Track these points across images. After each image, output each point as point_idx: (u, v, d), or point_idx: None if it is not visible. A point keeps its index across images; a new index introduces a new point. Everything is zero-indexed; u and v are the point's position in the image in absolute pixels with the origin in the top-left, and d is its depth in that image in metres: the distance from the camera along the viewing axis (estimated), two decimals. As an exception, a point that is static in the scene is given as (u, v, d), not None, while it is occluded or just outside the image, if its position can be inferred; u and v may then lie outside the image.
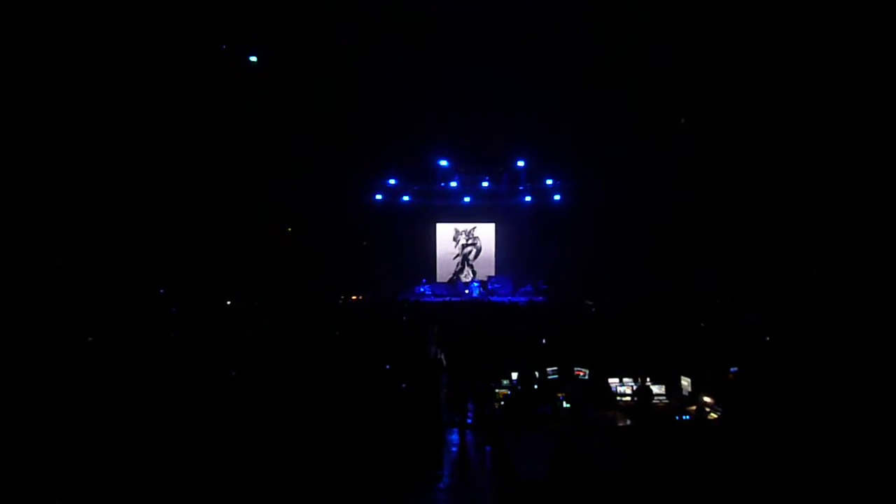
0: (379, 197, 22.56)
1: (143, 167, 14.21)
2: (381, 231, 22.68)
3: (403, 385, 6.92)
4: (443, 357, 9.82)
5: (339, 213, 20.35)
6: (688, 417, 6.08)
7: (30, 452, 4.40)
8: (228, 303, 15.63)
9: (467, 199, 23.44)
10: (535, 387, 6.85)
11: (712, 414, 6.12)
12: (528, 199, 23.19)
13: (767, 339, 9.41)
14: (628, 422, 5.86)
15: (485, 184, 22.57)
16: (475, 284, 22.07)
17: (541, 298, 20.74)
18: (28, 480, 4.09)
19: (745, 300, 14.20)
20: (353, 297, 19.88)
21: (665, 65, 13.93)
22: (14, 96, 11.01)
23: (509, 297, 20.66)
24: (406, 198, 22.94)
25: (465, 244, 24.21)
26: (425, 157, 21.08)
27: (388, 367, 7.56)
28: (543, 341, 9.78)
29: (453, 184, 22.56)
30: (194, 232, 15.91)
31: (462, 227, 24.18)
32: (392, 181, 22.07)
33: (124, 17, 11.31)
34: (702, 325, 11.53)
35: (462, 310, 15.45)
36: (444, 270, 24.02)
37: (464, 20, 13.40)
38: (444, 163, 21.57)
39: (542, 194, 22.92)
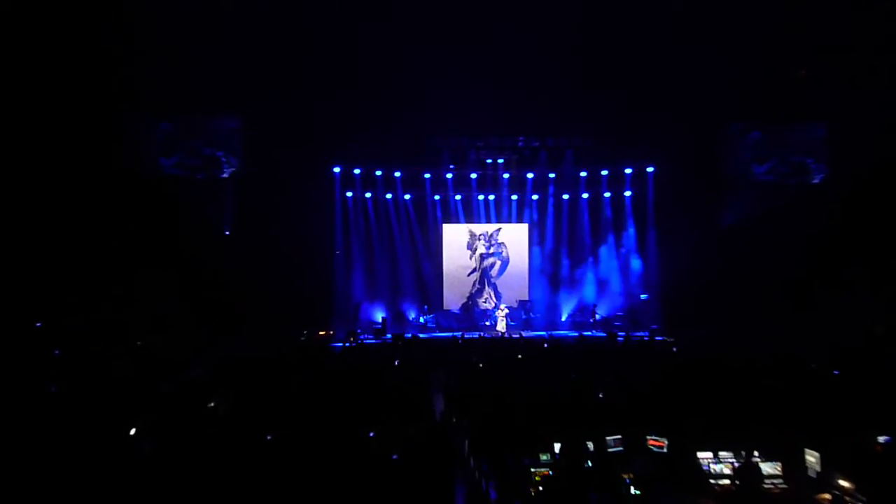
0: (354, 179, 22.73)
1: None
2: (363, 236, 22.74)
3: (394, 457, 6.93)
4: (452, 418, 9.80)
5: (301, 211, 20.38)
6: (816, 510, 6.02)
7: None
8: (139, 343, 15.66)
9: (487, 189, 23.58)
10: (589, 464, 6.81)
11: (853, 505, 6.07)
12: (576, 187, 23.25)
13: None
14: (727, 516, 5.84)
15: (512, 165, 22.60)
16: (499, 313, 22.10)
17: (596, 333, 20.66)
18: None
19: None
20: (322, 333, 19.93)
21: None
22: None
23: (549, 332, 20.60)
24: (397, 185, 23.08)
25: (484, 254, 24.24)
26: (425, 128, 21.11)
27: (371, 434, 7.55)
28: (601, 395, 9.74)
29: (466, 165, 22.63)
30: (84, 240, 16.02)
31: (480, 228, 24.21)
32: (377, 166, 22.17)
33: None
34: (835, 372, 11.44)
35: (481, 350, 15.42)
36: (454, 292, 24.03)
37: None
38: (452, 136, 21.66)
39: (597, 181, 22.92)
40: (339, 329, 20.51)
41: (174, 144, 19.13)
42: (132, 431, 7.66)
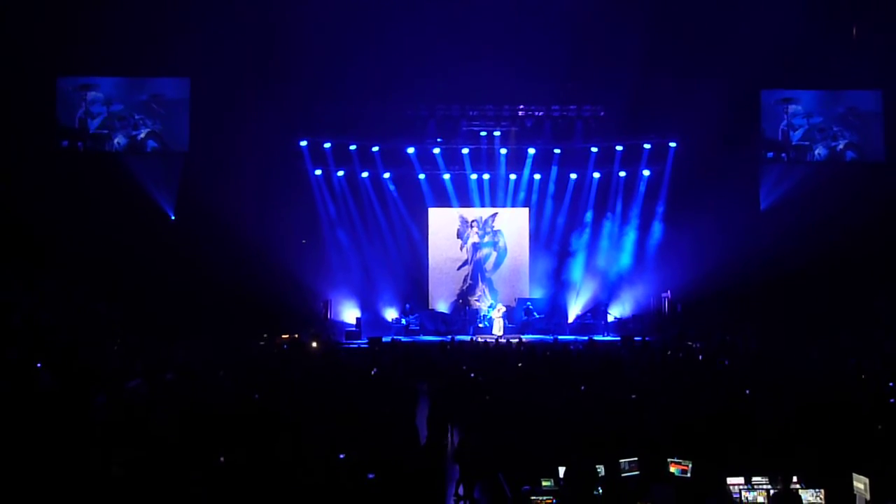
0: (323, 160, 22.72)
1: None
2: (334, 221, 22.70)
3: (370, 476, 6.97)
4: (439, 438, 9.82)
5: (260, 191, 20.31)
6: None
7: None
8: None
9: (481, 167, 23.58)
10: (599, 491, 6.83)
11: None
12: (586, 165, 23.26)
13: None
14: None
15: (511, 139, 22.60)
16: (495, 314, 22.15)
17: (609, 336, 20.74)
18: None
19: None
20: (284, 337, 19.91)
21: None
22: None
23: (554, 335, 20.64)
24: (375, 161, 23.01)
25: (477, 244, 24.22)
26: (408, 93, 21.04)
27: (342, 455, 7.54)
28: (613, 410, 9.78)
29: (457, 138, 22.62)
30: None
31: (473, 213, 24.21)
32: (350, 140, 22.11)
33: None
34: (890, 384, 11.52)
35: (473, 357, 15.45)
36: (441, 289, 24.05)
37: None
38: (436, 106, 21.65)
39: (610, 158, 22.95)
40: (304, 333, 20.48)
41: (103, 109, 19.00)
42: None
